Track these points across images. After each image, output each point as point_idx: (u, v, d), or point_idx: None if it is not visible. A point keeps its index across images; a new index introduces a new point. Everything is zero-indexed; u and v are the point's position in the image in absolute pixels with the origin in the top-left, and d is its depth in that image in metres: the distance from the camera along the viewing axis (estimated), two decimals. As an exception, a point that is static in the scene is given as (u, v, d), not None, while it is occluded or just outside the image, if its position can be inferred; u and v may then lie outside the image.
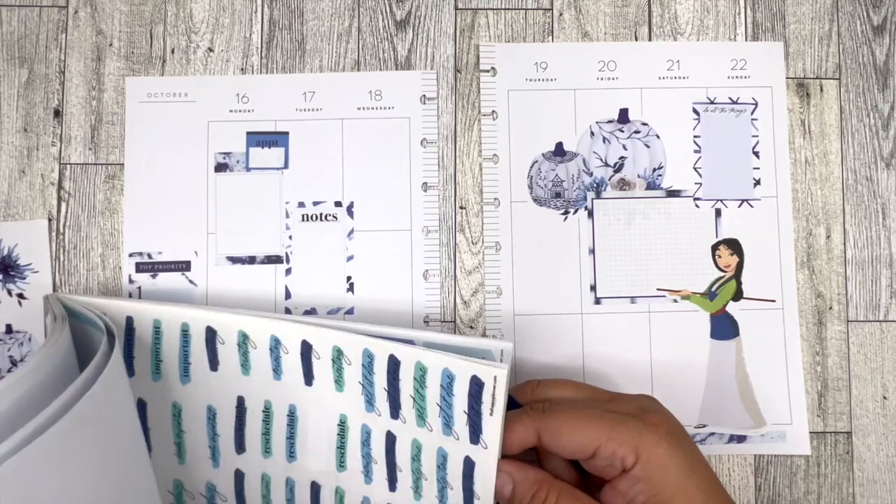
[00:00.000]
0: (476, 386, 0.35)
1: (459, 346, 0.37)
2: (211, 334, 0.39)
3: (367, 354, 0.38)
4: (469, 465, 0.37)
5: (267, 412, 0.40)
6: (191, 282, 0.45)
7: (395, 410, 0.38)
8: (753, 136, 0.46)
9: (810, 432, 0.45)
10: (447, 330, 0.45)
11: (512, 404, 0.37)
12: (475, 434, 0.36)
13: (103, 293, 0.44)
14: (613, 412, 0.36)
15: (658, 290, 0.45)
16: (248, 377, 0.40)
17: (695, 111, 0.47)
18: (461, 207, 0.46)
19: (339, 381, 0.39)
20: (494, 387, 0.35)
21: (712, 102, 0.47)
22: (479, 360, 0.35)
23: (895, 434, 0.45)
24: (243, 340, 0.39)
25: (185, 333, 0.40)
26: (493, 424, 0.35)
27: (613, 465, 0.35)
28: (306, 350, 0.39)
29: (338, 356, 0.38)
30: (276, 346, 0.39)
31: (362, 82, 0.46)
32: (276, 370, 0.40)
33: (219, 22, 0.46)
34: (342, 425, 0.40)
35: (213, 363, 0.40)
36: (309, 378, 0.39)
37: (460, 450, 0.37)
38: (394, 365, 0.37)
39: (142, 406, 0.41)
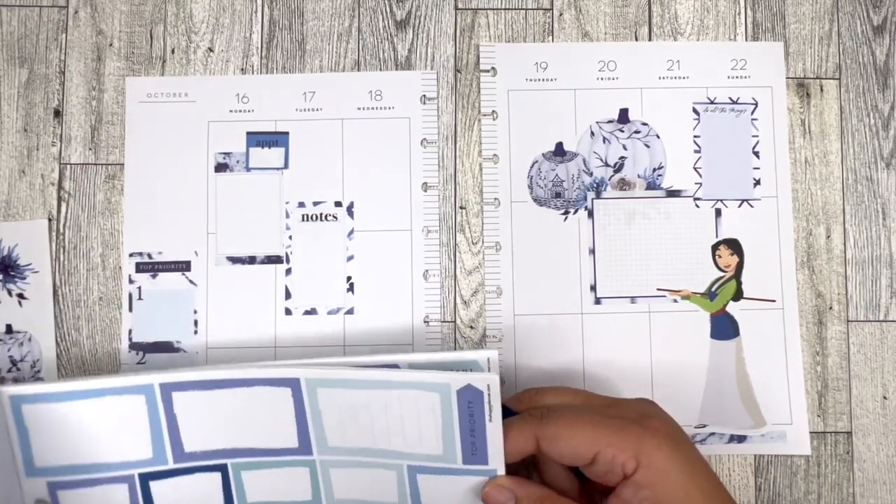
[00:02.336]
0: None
1: (445, 361, 0.37)
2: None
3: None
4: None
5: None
6: (191, 282, 0.45)
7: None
8: (753, 136, 0.46)
9: (810, 432, 0.45)
10: (447, 330, 0.45)
11: (507, 413, 0.36)
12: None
13: (99, 299, 0.44)
14: (613, 417, 0.35)
15: (658, 290, 0.45)
16: None
17: (695, 111, 0.46)
18: (461, 207, 0.46)
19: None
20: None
21: (712, 102, 0.47)
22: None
23: (895, 434, 0.45)
24: None
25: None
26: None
27: (613, 471, 0.34)
28: None
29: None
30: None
31: (362, 82, 0.46)
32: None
33: (219, 22, 0.46)
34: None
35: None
36: None
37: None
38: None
39: None
